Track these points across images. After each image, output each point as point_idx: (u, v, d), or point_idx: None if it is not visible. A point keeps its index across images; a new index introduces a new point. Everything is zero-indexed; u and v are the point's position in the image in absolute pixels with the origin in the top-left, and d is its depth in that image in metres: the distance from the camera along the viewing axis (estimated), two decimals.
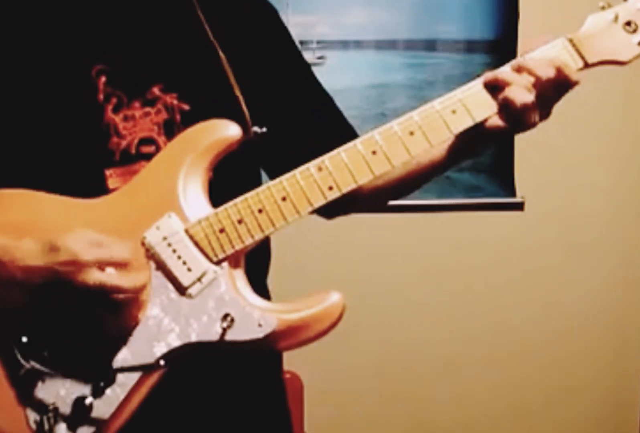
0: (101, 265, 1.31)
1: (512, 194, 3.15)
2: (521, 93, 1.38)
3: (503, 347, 3.23)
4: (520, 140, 3.01)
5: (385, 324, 3.18)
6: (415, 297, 3.18)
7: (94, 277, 1.30)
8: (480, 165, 3.10)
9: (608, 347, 3.29)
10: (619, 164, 3.19)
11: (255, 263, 1.50)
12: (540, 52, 1.41)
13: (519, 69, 1.40)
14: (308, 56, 2.95)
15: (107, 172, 1.45)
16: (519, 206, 3.16)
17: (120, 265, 1.34)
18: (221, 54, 1.51)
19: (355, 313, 3.03)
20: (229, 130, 1.41)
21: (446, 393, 3.23)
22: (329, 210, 1.55)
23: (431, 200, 3.08)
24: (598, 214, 3.21)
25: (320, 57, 3.01)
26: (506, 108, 1.39)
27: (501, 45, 3.08)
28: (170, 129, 1.48)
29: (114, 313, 1.35)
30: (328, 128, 1.65)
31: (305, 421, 2.85)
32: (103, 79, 1.47)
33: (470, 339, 3.22)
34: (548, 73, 1.38)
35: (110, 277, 1.32)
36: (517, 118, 1.40)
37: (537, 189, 3.14)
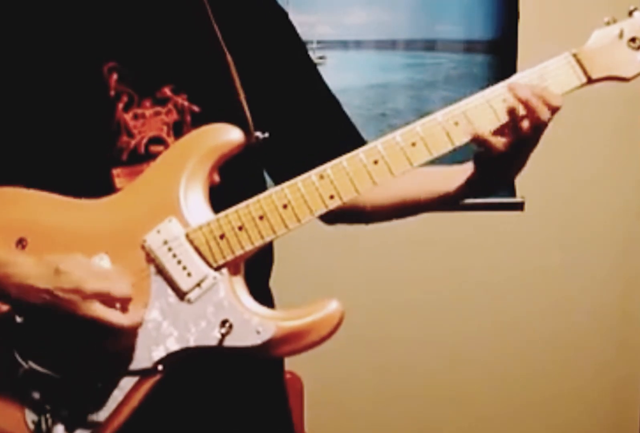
0: (102, 298, 1.32)
1: (512, 194, 3.14)
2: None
3: (503, 346, 3.23)
4: None
5: (385, 324, 3.17)
6: (415, 297, 3.18)
7: (94, 311, 1.31)
8: None
9: (608, 347, 3.28)
10: (619, 164, 3.19)
11: (258, 267, 1.50)
12: (543, 66, 1.40)
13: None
14: None
15: (115, 172, 1.46)
16: (519, 206, 3.15)
17: (121, 300, 1.35)
18: (229, 57, 1.51)
19: (355, 313, 3.03)
20: (231, 135, 1.40)
21: (446, 393, 3.23)
22: (331, 217, 1.55)
23: None
24: (598, 213, 3.20)
25: (320, 57, 3.01)
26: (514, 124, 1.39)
27: (501, 45, 3.07)
28: (180, 130, 1.48)
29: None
30: (334, 133, 1.64)
31: (305, 421, 2.85)
32: (114, 76, 1.47)
33: (470, 339, 3.21)
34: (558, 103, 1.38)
35: (110, 314, 1.33)
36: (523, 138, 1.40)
37: (537, 189, 3.13)
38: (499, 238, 3.20)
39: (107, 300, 1.33)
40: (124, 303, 1.35)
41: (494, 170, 1.46)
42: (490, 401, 3.26)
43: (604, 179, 3.19)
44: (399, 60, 3.11)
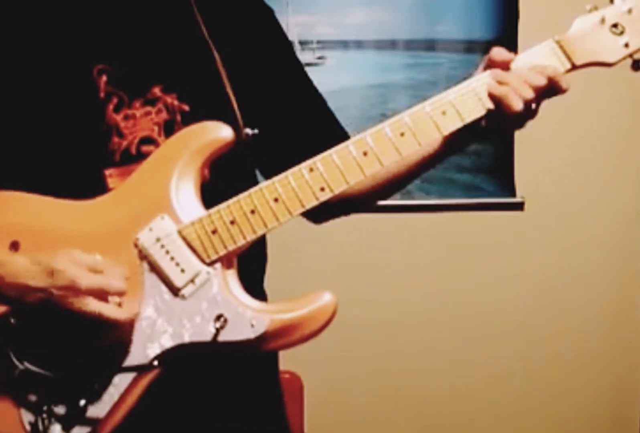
0: (98, 293, 1.32)
1: (512, 194, 3.15)
2: (517, 101, 1.39)
3: (503, 346, 3.23)
4: (520, 141, 3.02)
5: (385, 324, 3.18)
6: (415, 296, 3.18)
7: (90, 306, 1.31)
8: (481, 165, 3.10)
9: (608, 347, 3.28)
10: (619, 163, 3.19)
11: (251, 267, 1.51)
12: (528, 53, 1.44)
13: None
14: (308, 56, 2.95)
15: (107, 172, 1.46)
16: (519, 206, 3.15)
17: (116, 294, 1.35)
18: (216, 55, 1.52)
19: (355, 313, 3.04)
20: (221, 132, 1.41)
21: (446, 392, 3.23)
22: (317, 215, 1.55)
23: (431, 200, 3.08)
24: (598, 214, 3.20)
25: (320, 57, 3.01)
26: (498, 110, 1.41)
27: (501, 45, 3.04)
28: (171, 129, 1.48)
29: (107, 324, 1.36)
30: (320, 129, 1.65)
31: (305, 421, 2.85)
32: (104, 78, 1.47)
33: (470, 339, 3.22)
34: (540, 82, 1.40)
35: (106, 309, 1.33)
36: (505, 120, 1.42)
37: (537, 189, 3.14)
38: (499, 238, 3.20)
39: (102, 295, 1.33)
40: (119, 296, 1.35)
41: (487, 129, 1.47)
42: (490, 401, 3.25)
43: (604, 178, 3.19)
44: (399, 60, 3.11)
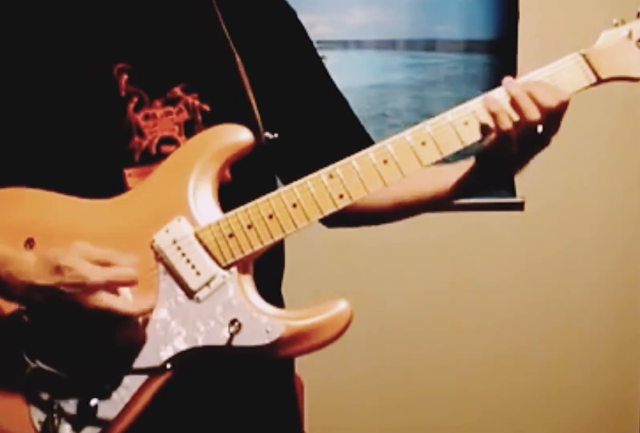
0: (109, 286, 1.32)
1: (512, 194, 3.15)
2: (506, 121, 1.37)
3: (503, 346, 3.24)
4: None
5: (385, 324, 3.18)
6: (415, 296, 3.18)
7: (102, 301, 1.31)
8: None
9: (608, 346, 3.29)
10: (619, 163, 3.19)
11: (268, 272, 1.50)
12: (552, 66, 1.41)
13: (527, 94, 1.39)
14: None
15: (127, 172, 1.46)
16: (519, 206, 3.15)
17: (128, 284, 1.34)
18: (237, 57, 1.51)
19: (356, 313, 3.03)
20: (241, 136, 1.41)
21: (446, 393, 3.24)
22: (331, 220, 1.55)
23: None
24: (598, 214, 3.21)
25: (320, 57, 3.01)
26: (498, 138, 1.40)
27: (501, 45, 3.08)
28: (191, 129, 1.48)
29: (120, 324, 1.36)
30: (343, 133, 1.64)
31: (305, 421, 2.85)
32: (125, 77, 1.47)
33: (470, 339, 3.22)
34: (551, 104, 1.37)
35: (118, 302, 1.32)
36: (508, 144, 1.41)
37: (537, 189, 3.13)
38: (499, 238, 3.20)
39: (114, 287, 1.33)
40: (131, 286, 1.35)
41: (496, 170, 1.47)
42: (490, 401, 3.26)
43: (604, 178, 3.20)
44: (399, 60, 3.11)
